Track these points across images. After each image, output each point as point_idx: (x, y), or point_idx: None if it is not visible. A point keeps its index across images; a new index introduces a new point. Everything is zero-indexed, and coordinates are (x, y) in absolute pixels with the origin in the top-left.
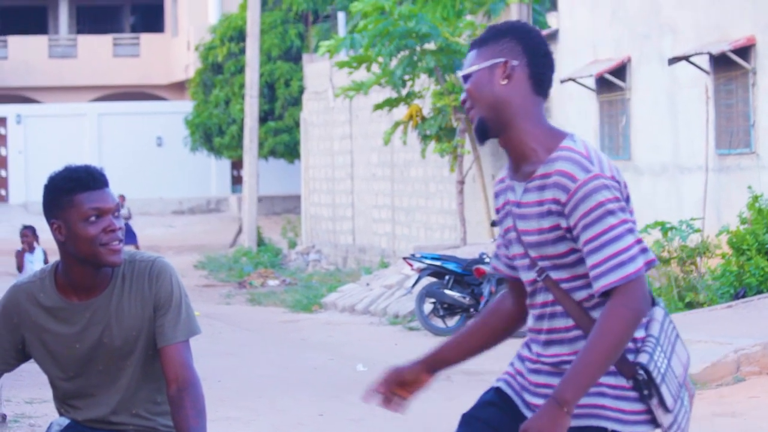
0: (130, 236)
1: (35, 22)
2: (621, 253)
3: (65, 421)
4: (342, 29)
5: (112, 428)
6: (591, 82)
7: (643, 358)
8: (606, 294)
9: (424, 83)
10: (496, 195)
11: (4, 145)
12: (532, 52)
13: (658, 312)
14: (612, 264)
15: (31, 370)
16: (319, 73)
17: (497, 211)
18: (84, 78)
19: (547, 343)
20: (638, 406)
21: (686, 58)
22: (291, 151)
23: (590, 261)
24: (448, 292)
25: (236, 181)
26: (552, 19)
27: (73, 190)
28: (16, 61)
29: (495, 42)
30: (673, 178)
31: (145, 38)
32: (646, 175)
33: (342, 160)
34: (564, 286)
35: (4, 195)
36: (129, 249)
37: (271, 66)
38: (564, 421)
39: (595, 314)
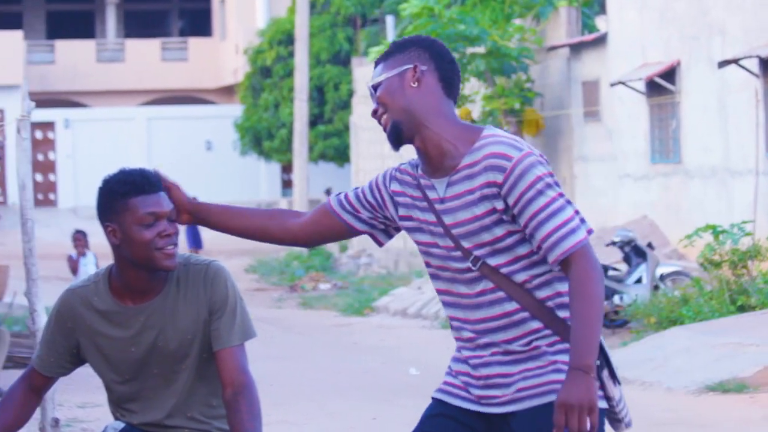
0: (197, 240)
1: (83, 26)
2: (568, 222)
3: (120, 425)
4: (391, 32)
5: None
6: (641, 86)
7: None
8: (563, 264)
9: (473, 87)
10: (400, 182)
11: (53, 150)
12: (439, 57)
13: None
14: (563, 232)
15: (82, 374)
16: (369, 76)
17: (392, 196)
18: (132, 82)
19: (493, 331)
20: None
21: (736, 61)
22: (341, 155)
23: (540, 233)
24: None
25: (286, 184)
26: (601, 23)
27: (128, 194)
28: (64, 66)
29: (401, 52)
30: (723, 181)
31: (193, 42)
32: (696, 178)
33: (392, 163)
34: (503, 270)
35: (53, 199)
36: (185, 253)
37: (320, 69)
38: (594, 385)
39: (539, 293)
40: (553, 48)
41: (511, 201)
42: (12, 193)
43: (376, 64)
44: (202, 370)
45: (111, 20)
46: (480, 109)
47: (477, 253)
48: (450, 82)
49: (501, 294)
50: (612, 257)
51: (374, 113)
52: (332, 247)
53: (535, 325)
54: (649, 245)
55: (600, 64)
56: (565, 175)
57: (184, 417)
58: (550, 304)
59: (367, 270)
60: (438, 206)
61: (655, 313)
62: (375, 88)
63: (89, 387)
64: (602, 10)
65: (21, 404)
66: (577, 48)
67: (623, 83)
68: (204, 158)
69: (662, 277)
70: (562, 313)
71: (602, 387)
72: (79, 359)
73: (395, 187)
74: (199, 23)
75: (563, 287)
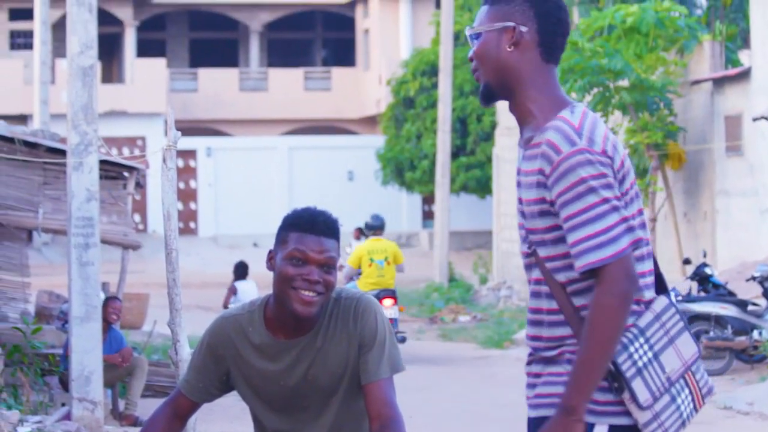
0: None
1: (226, 55)
2: (600, 234)
3: None
4: None
5: None
6: None
7: None
8: (590, 274)
9: (617, 119)
10: None
11: (194, 178)
12: (545, 17)
13: (660, 302)
14: (590, 244)
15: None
16: None
17: None
18: (274, 111)
19: (532, 324)
20: (611, 397)
21: None
22: (482, 187)
23: (570, 239)
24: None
25: (427, 216)
26: (744, 57)
27: (292, 227)
28: (207, 94)
29: (507, 2)
30: None
31: (337, 72)
32: None
33: None
34: (548, 265)
35: (194, 228)
36: (337, 288)
37: (463, 101)
38: (575, 428)
39: (577, 301)
40: (697, 82)
41: (552, 196)
42: (152, 220)
43: (484, 2)
44: (351, 404)
45: (254, 49)
46: (623, 142)
47: (532, 237)
48: (551, 46)
49: (545, 288)
50: (752, 292)
51: (470, 61)
52: (472, 279)
53: (565, 332)
54: None
55: (743, 99)
56: (706, 209)
57: None
58: (585, 314)
59: (507, 302)
60: (517, 177)
61: None
62: (474, 36)
63: (228, 417)
64: (746, 44)
65: (165, 429)
66: (720, 82)
67: (766, 118)
68: (345, 188)
69: None
70: None
71: (628, 412)
72: (227, 386)
73: None
74: (342, 53)
75: None
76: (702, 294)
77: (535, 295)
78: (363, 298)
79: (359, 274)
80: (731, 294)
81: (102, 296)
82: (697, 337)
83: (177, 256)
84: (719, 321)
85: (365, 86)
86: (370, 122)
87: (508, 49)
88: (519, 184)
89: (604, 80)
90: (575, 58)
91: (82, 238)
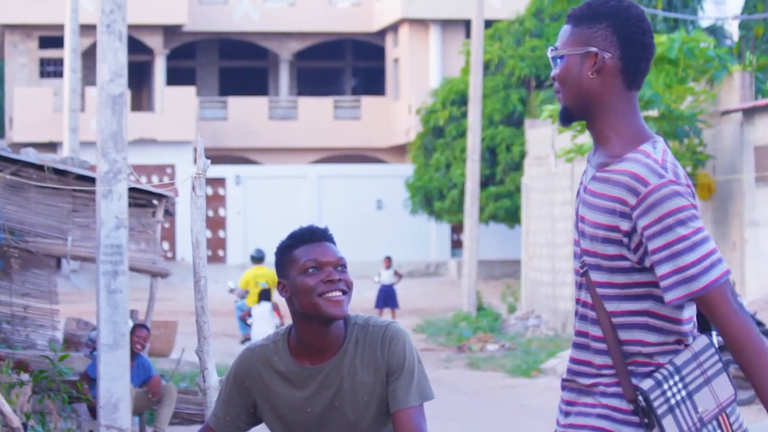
0: (389, 300)
1: (256, 83)
2: (691, 266)
3: None
4: None
5: None
6: None
7: (645, 384)
8: (696, 303)
9: None
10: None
11: (223, 206)
12: (628, 43)
13: (700, 342)
14: (681, 277)
15: None
16: (541, 138)
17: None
18: (304, 140)
19: (577, 347)
20: None
21: None
22: (511, 216)
23: (659, 271)
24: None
25: (455, 245)
26: None
27: (293, 246)
28: (237, 122)
29: (590, 25)
30: None
31: (366, 101)
32: None
33: (563, 225)
34: (599, 290)
35: (222, 255)
36: (366, 314)
37: (492, 130)
38: None
39: (622, 333)
40: (727, 112)
41: (638, 228)
42: (180, 248)
43: (567, 20)
44: (379, 431)
45: (284, 78)
46: None
47: (587, 259)
48: (634, 73)
49: (591, 314)
50: None
51: (553, 79)
52: (500, 308)
53: (606, 361)
54: None
55: None
56: (735, 239)
57: None
58: (626, 348)
59: (535, 331)
60: (582, 193)
61: None
62: (556, 53)
63: None
64: None
65: None
66: (750, 112)
67: None
68: (374, 217)
69: None
70: (634, 358)
71: None
72: (255, 418)
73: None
74: (372, 82)
75: (651, 338)
76: None
77: (582, 318)
78: (391, 326)
79: (247, 293)
80: (760, 324)
81: (130, 324)
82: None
83: (205, 284)
84: None
85: (395, 115)
86: (399, 151)
87: (591, 76)
88: (584, 202)
89: None
90: None
91: (110, 266)
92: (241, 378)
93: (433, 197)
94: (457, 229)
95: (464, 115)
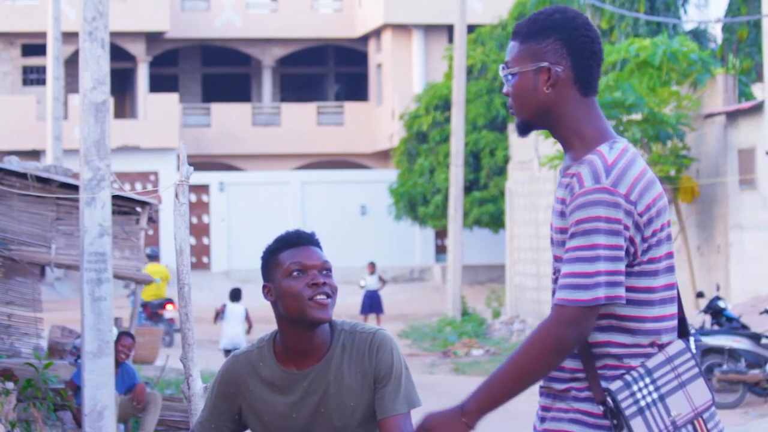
0: (377, 305)
1: (239, 90)
2: (585, 276)
3: None
4: None
5: None
6: None
7: (614, 385)
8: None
9: None
10: None
11: (207, 213)
12: (578, 53)
13: (675, 346)
14: (572, 282)
15: None
16: (525, 142)
17: None
18: (287, 146)
19: None
20: None
21: None
22: (495, 221)
23: (562, 269)
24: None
25: (440, 250)
26: (757, 90)
27: (278, 250)
28: (220, 129)
29: (538, 40)
30: None
31: (349, 107)
32: None
33: (547, 230)
34: None
35: (207, 262)
36: (352, 321)
37: (476, 135)
38: (458, 427)
39: (591, 337)
40: (710, 115)
41: (567, 226)
42: (164, 255)
43: (514, 35)
44: None
45: (267, 84)
46: None
47: (555, 265)
48: (588, 80)
49: None
50: (765, 325)
51: (506, 95)
52: (485, 313)
53: (575, 365)
54: None
55: (756, 132)
56: (719, 242)
57: None
58: (595, 350)
59: (520, 336)
60: (554, 203)
61: None
62: (507, 67)
63: None
64: (759, 77)
65: None
66: (733, 116)
67: None
68: (358, 223)
69: None
70: (604, 361)
71: None
72: (240, 425)
73: None
74: (355, 88)
75: (619, 339)
76: (715, 327)
77: None
78: (379, 333)
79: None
80: (745, 327)
81: (115, 331)
82: (710, 370)
83: (189, 291)
84: (732, 354)
85: (378, 121)
86: (382, 157)
87: (546, 90)
88: (552, 210)
89: (616, 114)
90: None
91: (94, 273)
92: (226, 384)
93: (417, 202)
94: (441, 234)
95: (447, 120)
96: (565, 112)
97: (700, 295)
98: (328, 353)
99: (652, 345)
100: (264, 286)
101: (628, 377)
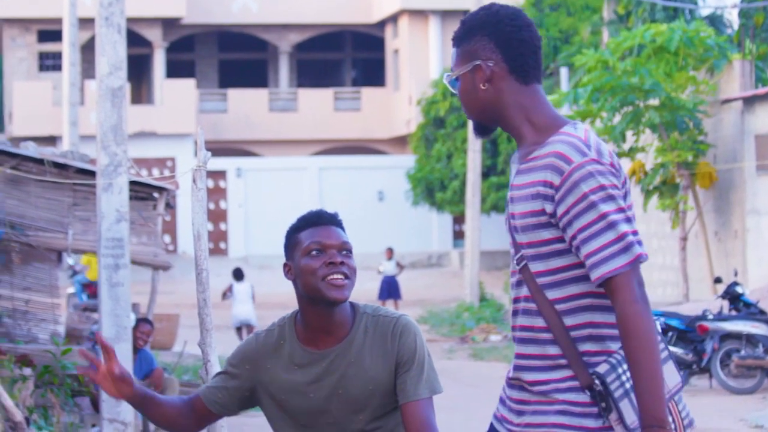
0: (395, 291)
1: (256, 75)
2: (617, 241)
3: None
4: (565, 84)
5: None
6: None
7: (602, 368)
8: (605, 289)
9: (647, 139)
10: None
11: (224, 199)
12: (506, 44)
13: None
14: (609, 252)
15: (252, 424)
16: None
17: None
18: (304, 132)
19: (520, 341)
20: (605, 423)
21: None
22: None
23: (585, 249)
24: (671, 348)
25: (457, 235)
26: None
27: (299, 228)
28: (237, 115)
29: (467, 41)
30: None
31: (366, 92)
32: None
33: None
34: (539, 280)
35: (224, 248)
36: (374, 305)
37: None
38: None
39: (567, 319)
40: (727, 101)
41: (561, 209)
42: (182, 241)
43: (452, 44)
44: (378, 422)
45: (284, 69)
46: (652, 161)
47: (525, 252)
48: (524, 68)
49: (533, 306)
50: None
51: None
52: (503, 298)
53: (554, 351)
54: None
55: None
56: (737, 227)
57: None
58: (574, 334)
59: None
60: (510, 192)
61: None
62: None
63: None
64: None
65: (181, 409)
66: (750, 101)
67: None
68: (376, 208)
69: None
70: (586, 346)
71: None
72: (248, 403)
73: None
74: (372, 73)
75: (598, 318)
76: (733, 313)
77: (526, 312)
78: (403, 318)
79: (88, 268)
80: (762, 313)
81: (132, 317)
82: (728, 355)
83: (207, 277)
84: (750, 340)
85: (395, 106)
86: (400, 142)
87: (483, 87)
88: (511, 200)
89: (634, 99)
90: (606, 77)
91: (112, 259)
92: (243, 361)
93: (435, 188)
94: (458, 219)
95: None
96: (508, 104)
97: (717, 280)
98: (350, 335)
99: None
100: (285, 265)
101: (612, 360)
